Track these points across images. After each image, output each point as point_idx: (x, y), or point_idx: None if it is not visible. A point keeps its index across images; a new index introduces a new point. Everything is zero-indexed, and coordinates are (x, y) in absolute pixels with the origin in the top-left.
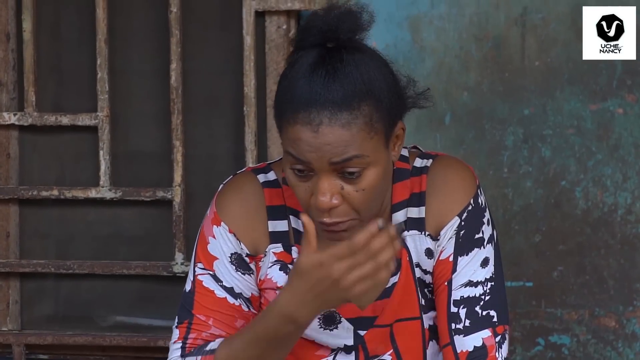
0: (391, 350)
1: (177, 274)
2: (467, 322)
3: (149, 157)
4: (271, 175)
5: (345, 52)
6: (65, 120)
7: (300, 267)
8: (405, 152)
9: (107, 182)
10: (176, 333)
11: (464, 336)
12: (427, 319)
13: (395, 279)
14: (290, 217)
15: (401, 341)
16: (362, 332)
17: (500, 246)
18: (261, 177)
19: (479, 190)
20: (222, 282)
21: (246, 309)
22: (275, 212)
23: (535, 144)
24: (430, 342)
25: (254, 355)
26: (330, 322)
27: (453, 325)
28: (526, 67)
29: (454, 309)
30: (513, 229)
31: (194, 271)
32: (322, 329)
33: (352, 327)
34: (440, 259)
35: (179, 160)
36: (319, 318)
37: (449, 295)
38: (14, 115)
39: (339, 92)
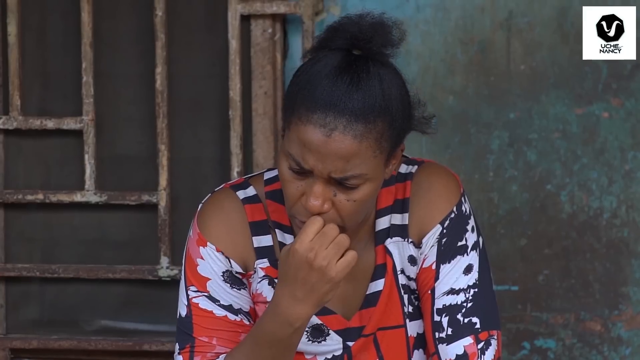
0: None
1: (163, 278)
2: (450, 331)
3: (134, 161)
4: (250, 191)
5: (372, 63)
6: (50, 124)
7: (281, 257)
8: None
9: (93, 186)
10: None
11: (446, 345)
12: (414, 327)
13: (380, 286)
14: (277, 230)
15: (386, 349)
16: (350, 343)
17: (486, 250)
18: (240, 194)
19: (462, 198)
20: (218, 301)
21: (248, 323)
22: (259, 228)
23: (521, 148)
24: (415, 351)
25: None
26: (318, 334)
27: (437, 334)
28: (512, 71)
29: (437, 318)
30: (499, 233)
31: (187, 295)
32: (310, 341)
33: (340, 339)
34: (423, 267)
35: (165, 164)
36: (306, 331)
37: (432, 303)
38: None
39: (359, 102)
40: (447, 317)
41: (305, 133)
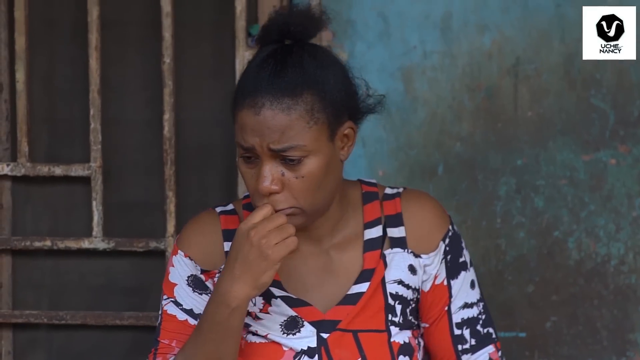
0: (359, 359)
1: None
2: (473, 341)
3: (142, 208)
4: (229, 207)
5: (298, 46)
6: (58, 170)
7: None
8: (374, 181)
9: (100, 232)
10: None
11: (472, 354)
12: (401, 337)
13: (363, 288)
14: None
15: (369, 351)
16: (324, 335)
17: (493, 296)
18: (219, 209)
19: (451, 219)
20: (182, 305)
21: None
22: (230, 235)
23: (528, 194)
24: (401, 357)
25: (201, 353)
26: (292, 326)
27: (459, 347)
28: (519, 118)
29: (457, 331)
30: (506, 279)
31: (162, 305)
32: (285, 334)
33: (314, 330)
34: (435, 284)
35: (172, 210)
36: (281, 324)
37: (450, 318)
38: (7, 165)
39: (283, 79)
40: (468, 330)
41: (241, 117)
